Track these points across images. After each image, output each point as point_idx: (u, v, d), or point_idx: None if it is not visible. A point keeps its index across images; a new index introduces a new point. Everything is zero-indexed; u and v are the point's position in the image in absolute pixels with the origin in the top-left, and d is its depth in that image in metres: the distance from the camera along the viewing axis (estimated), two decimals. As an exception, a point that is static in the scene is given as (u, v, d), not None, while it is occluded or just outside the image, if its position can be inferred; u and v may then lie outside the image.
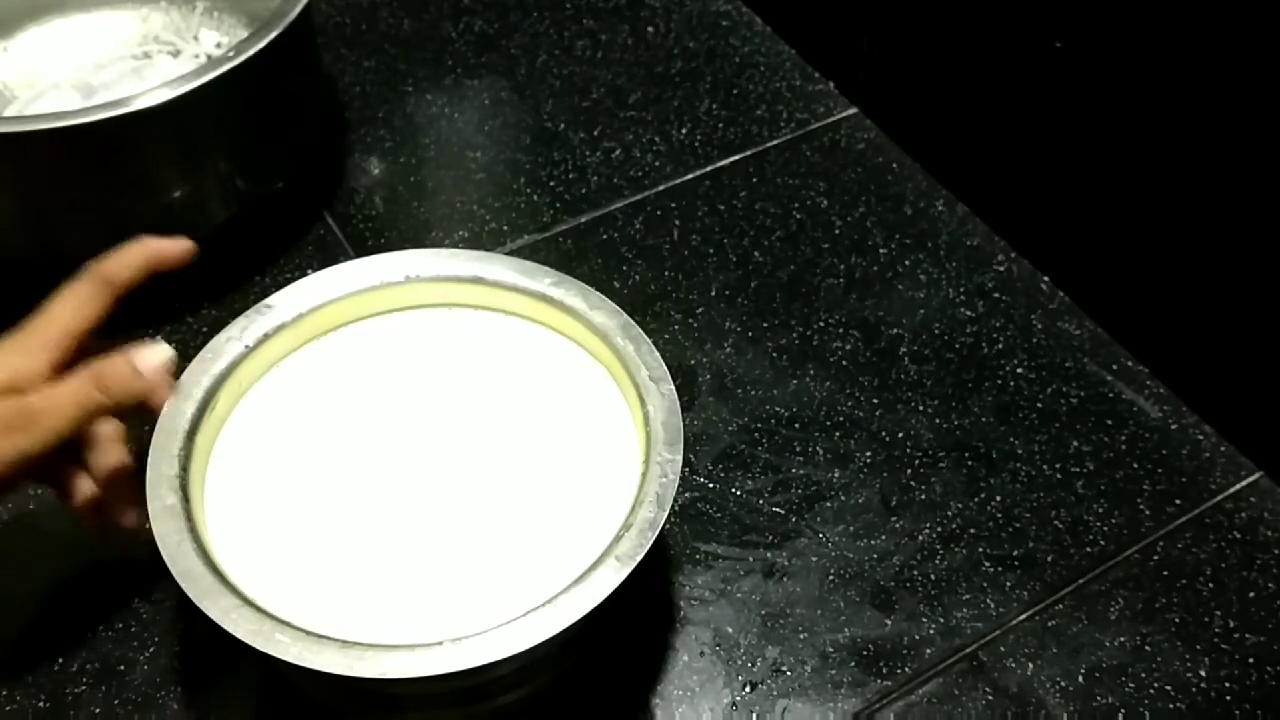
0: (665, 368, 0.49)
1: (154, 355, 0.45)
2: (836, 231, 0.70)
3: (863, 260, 0.69)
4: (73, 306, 0.45)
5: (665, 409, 0.48)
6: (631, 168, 0.74)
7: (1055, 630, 0.53)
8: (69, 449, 0.44)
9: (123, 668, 0.51)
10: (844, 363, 0.63)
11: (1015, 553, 0.56)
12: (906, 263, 0.68)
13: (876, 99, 0.77)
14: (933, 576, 0.55)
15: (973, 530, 0.57)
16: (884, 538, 0.56)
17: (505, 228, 0.70)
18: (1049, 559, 0.56)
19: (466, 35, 0.83)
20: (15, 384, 0.42)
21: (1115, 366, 0.64)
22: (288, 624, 0.42)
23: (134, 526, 0.45)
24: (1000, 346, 0.64)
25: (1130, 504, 0.58)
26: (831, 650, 0.52)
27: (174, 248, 0.47)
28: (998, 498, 0.58)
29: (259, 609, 0.42)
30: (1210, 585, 0.55)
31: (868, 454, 0.59)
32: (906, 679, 0.52)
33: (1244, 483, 0.59)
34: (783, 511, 0.57)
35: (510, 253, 0.67)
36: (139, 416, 0.47)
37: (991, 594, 0.54)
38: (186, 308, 0.65)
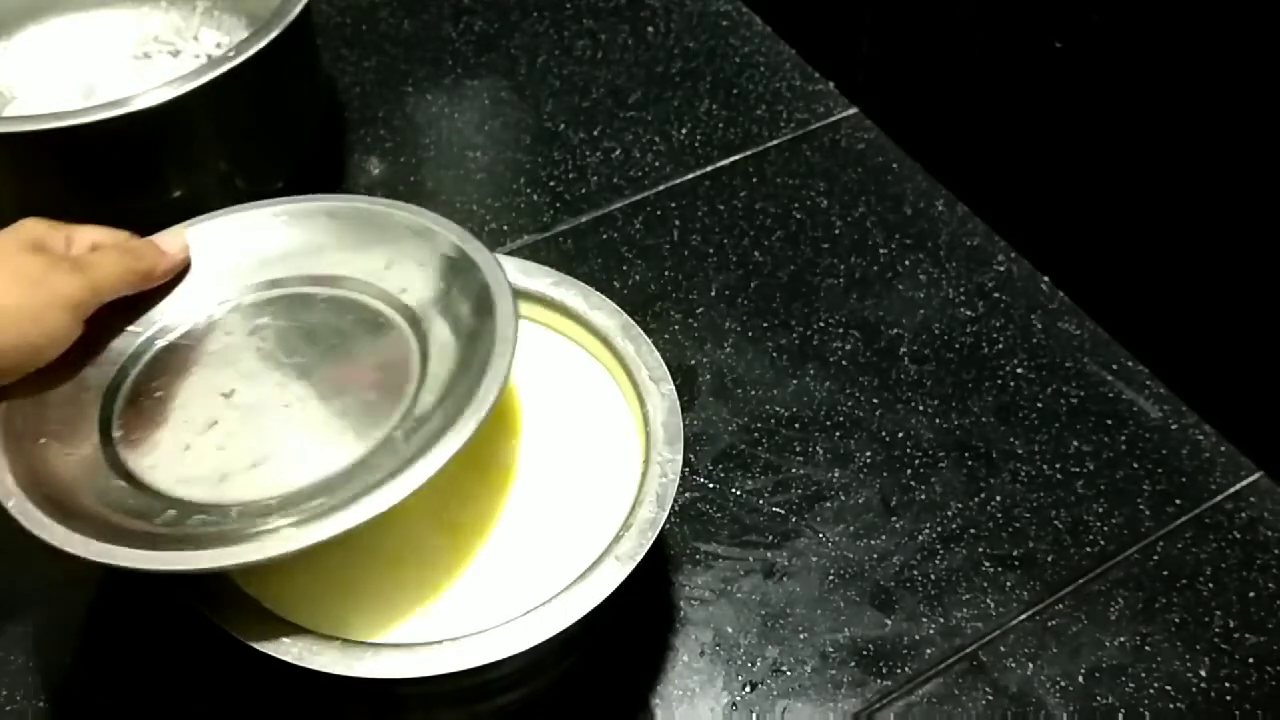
0: (665, 368, 0.49)
1: (172, 236, 0.51)
2: (836, 231, 0.70)
3: (863, 260, 0.69)
4: (98, 232, 0.48)
5: (665, 409, 0.48)
6: (631, 168, 0.74)
7: (1055, 630, 0.53)
8: None
9: (123, 669, 0.51)
10: (844, 363, 0.63)
11: (1015, 553, 0.56)
12: (906, 263, 0.68)
13: (876, 99, 0.77)
14: (933, 576, 0.55)
15: (973, 530, 0.57)
16: (884, 538, 0.56)
17: (505, 228, 0.70)
18: (1049, 559, 0.56)
19: (466, 35, 0.83)
20: (42, 246, 0.45)
21: (1115, 366, 0.64)
22: (288, 624, 0.42)
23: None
24: (1000, 346, 0.64)
25: (1130, 504, 0.58)
26: (831, 650, 0.52)
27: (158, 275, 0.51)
28: (998, 498, 0.58)
29: (259, 609, 0.42)
30: (1210, 585, 0.55)
31: (868, 454, 0.59)
32: (906, 679, 0.52)
33: (1244, 483, 0.59)
34: (783, 511, 0.57)
35: (510, 253, 0.67)
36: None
37: (991, 594, 0.54)
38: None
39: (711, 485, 0.58)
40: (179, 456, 0.45)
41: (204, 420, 0.46)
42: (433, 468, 0.41)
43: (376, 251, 0.51)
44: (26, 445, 0.44)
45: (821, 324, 0.65)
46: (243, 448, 0.45)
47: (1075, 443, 0.60)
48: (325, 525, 0.40)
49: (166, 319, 0.50)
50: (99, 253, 0.47)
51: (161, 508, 0.43)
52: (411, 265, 0.50)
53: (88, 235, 0.48)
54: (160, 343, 0.50)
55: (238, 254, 0.52)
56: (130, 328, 0.49)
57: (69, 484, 0.43)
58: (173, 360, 0.49)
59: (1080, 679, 0.52)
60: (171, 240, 0.51)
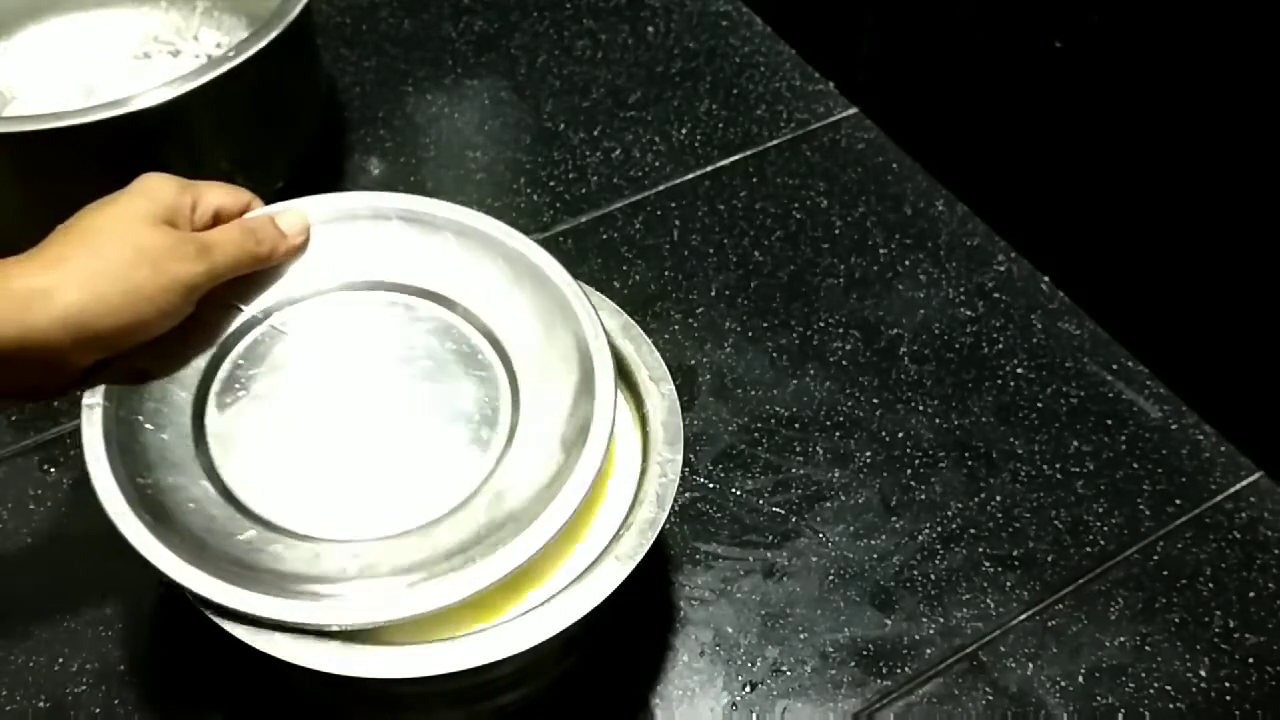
0: (665, 368, 0.49)
1: (294, 217, 0.50)
2: (836, 231, 0.70)
3: (863, 260, 0.69)
4: (221, 193, 0.48)
5: (665, 409, 0.48)
6: (631, 168, 0.74)
7: (1055, 630, 0.53)
8: None
9: (123, 668, 0.51)
10: (844, 363, 0.63)
11: (1015, 553, 0.56)
12: (906, 263, 0.68)
13: (876, 99, 0.77)
14: (933, 576, 0.55)
15: (973, 530, 0.57)
16: (884, 538, 0.56)
17: (505, 228, 0.70)
18: (1049, 559, 0.56)
19: (466, 35, 0.83)
20: (169, 216, 0.45)
21: (1115, 366, 0.64)
22: (287, 623, 0.42)
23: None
24: (1000, 346, 0.64)
25: (1130, 504, 0.58)
26: (831, 650, 0.52)
27: (279, 255, 0.50)
28: (998, 498, 0.58)
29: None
30: (1210, 585, 0.55)
31: (868, 454, 0.59)
32: (906, 679, 0.52)
33: (1244, 483, 0.59)
34: (783, 511, 0.57)
35: (510, 253, 0.67)
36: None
37: (991, 594, 0.54)
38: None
39: (711, 485, 0.58)
40: (264, 469, 0.45)
41: (292, 432, 0.46)
42: (508, 566, 0.41)
43: (491, 282, 0.50)
44: (125, 424, 0.44)
45: (821, 324, 0.65)
46: (326, 473, 0.45)
47: (1075, 443, 0.60)
48: (399, 605, 0.40)
49: (271, 299, 0.49)
50: (221, 232, 0.46)
51: (244, 526, 0.43)
52: (524, 306, 0.50)
53: (212, 199, 0.47)
54: (261, 325, 0.49)
55: (353, 243, 0.51)
56: (235, 302, 0.49)
57: (161, 478, 0.44)
58: (271, 350, 0.49)
59: (1080, 679, 0.52)
60: (293, 221, 0.49)
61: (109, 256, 0.42)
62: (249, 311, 0.49)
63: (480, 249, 0.51)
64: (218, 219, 0.47)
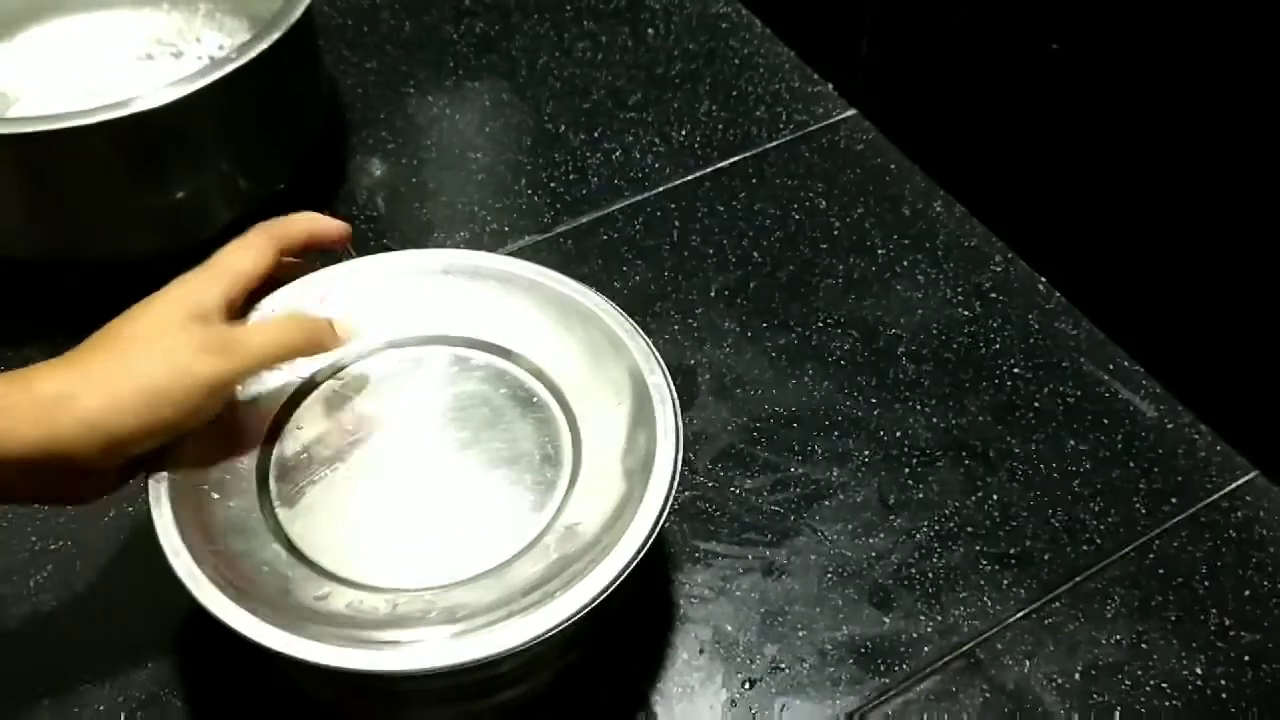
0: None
1: (347, 323, 0.50)
2: (835, 232, 0.70)
3: (861, 260, 0.69)
4: (245, 254, 0.48)
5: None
6: (631, 169, 0.74)
7: (1052, 628, 0.53)
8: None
9: (123, 668, 0.51)
10: (843, 362, 0.64)
11: (1012, 551, 0.56)
12: (905, 263, 0.69)
13: (875, 100, 0.77)
14: (930, 575, 0.55)
15: (970, 529, 0.57)
16: (882, 536, 0.57)
17: (506, 228, 0.70)
18: (1046, 557, 0.56)
19: (467, 37, 0.83)
20: (201, 312, 0.45)
21: (1112, 366, 0.64)
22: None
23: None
24: (997, 346, 0.65)
25: (1126, 503, 0.58)
26: (830, 648, 0.53)
27: (334, 226, 0.51)
28: (995, 496, 0.58)
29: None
30: (1206, 583, 0.55)
31: (866, 453, 0.60)
32: (904, 676, 0.52)
33: (1239, 481, 0.59)
34: (782, 510, 0.57)
35: (511, 253, 0.67)
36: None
37: (989, 592, 0.55)
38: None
39: (711, 484, 0.58)
40: (332, 527, 0.46)
41: (357, 488, 0.47)
42: (586, 598, 0.41)
43: (539, 326, 0.51)
44: (193, 494, 0.45)
45: (820, 324, 0.65)
46: (394, 525, 0.46)
47: (1072, 442, 0.60)
48: (482, 645, 0.40)
49: (325, 361, 0.51)
50: (260, 326, 0.47)
51: (318, 583, 0.44)
52: (574, 345, 0.51)
53: (246, 271, 0.47)
54: (319, 386, 0.50)
55: (403, 300, 0.52)
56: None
57: (232, 544, 0.44)
58: (330, 409, 0.50)
59: (1077, 676, 0.52)
60: (346, 326, 0.50)
61: (132, 359, 0.42)
62: (306, 374, 0.50)
63: (525, 295, 0.52)
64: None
